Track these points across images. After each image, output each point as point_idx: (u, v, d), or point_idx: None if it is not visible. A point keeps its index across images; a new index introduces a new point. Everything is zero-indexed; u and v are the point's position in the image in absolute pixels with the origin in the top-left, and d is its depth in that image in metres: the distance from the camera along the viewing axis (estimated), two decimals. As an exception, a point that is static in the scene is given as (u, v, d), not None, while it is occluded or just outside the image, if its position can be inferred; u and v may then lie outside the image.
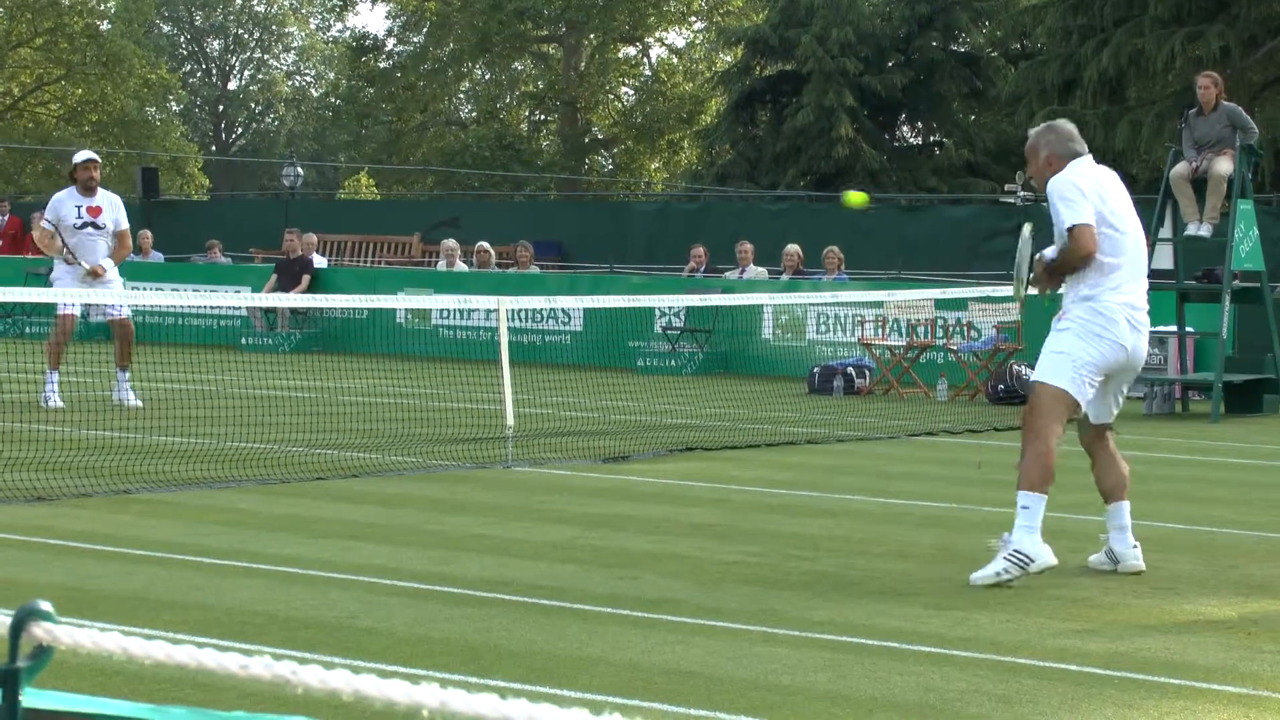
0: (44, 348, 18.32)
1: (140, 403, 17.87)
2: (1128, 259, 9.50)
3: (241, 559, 9.59)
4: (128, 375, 18.14)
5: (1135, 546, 9.66)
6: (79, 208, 18.11)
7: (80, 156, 18.75)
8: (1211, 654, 7.63)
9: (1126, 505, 9.72)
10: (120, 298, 17.71)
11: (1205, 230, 20.26)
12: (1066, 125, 9.92)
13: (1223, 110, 20.26)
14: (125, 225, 18.47)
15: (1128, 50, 36.30)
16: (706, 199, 41.58)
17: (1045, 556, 9.21)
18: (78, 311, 18.81)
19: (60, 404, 17.54)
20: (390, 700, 1.61)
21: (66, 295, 17.38)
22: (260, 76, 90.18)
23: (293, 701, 5.80)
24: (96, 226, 18.10)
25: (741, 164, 46.56)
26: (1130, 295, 9.49)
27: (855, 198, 16.00)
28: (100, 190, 18.38)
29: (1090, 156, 9.78)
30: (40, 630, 1.84)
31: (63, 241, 17.99)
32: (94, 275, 17.86)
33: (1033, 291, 10.02)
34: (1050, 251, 9.64)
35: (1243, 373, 21.00)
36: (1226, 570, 9.82)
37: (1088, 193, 9.47)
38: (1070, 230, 9.38)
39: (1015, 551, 9.19)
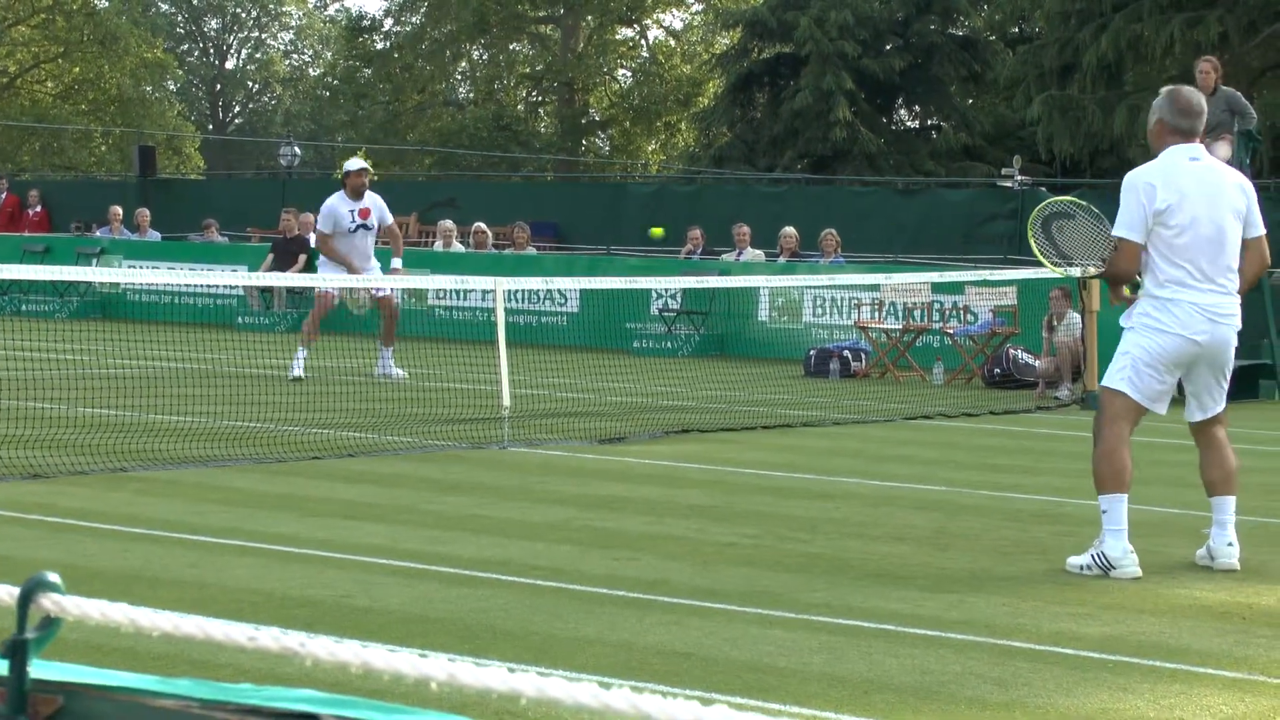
0: (303, 325, 19.99)
1: (404, 373, 19.50)
2: (1193, 255, 9.12)
3: (238, 538, 9.59)
4: (390, 351, 19.74)
5: (1231, 544, 9.42)
6: (351, 212, 19.63)
7: (352, 165, 20.15)
8: (1207, 638, 7.64)
9: (1229, 500, 9.51)
10: (384, 281, 18.84)
11: (1202, 216, 20.24)
12: (1186, 96, 9.37)
13: (1221, 95, 20.26)
14: (391, 220, 20.09)
15: (1126, 35, 36.27)
16: (703, 181, 41.54)
17: (1126, 566, 9.00)
18: (335, 293, 19.99)
19: (302, 375, 18.76)
20: (398, 673, 1.61)
21: (329, 280, 18.93)
22: (257, 56, 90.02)
23: (288, 679, 5.80)
24: (366, 227, 19.69)
25: (739, 146, 46.52)
26: (1197, 291, 9.14)
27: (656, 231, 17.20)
28: (368, 193, 19.84)
29: (1193, 145, 9.27)
30: (48, 601, 1.85)
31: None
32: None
33: (1074, 272, 9.90)
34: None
35: (1239, 358, 20.97)
36: (1222, 555, 9.81)
37: (1144, 196, 9.14)
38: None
39: (1100, 553, 9.09)
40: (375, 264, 19.88)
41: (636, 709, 1.41)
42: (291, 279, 18.30)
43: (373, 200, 19.81)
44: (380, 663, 1.60)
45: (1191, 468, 13.80)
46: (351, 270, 19.37)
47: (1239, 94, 20.62)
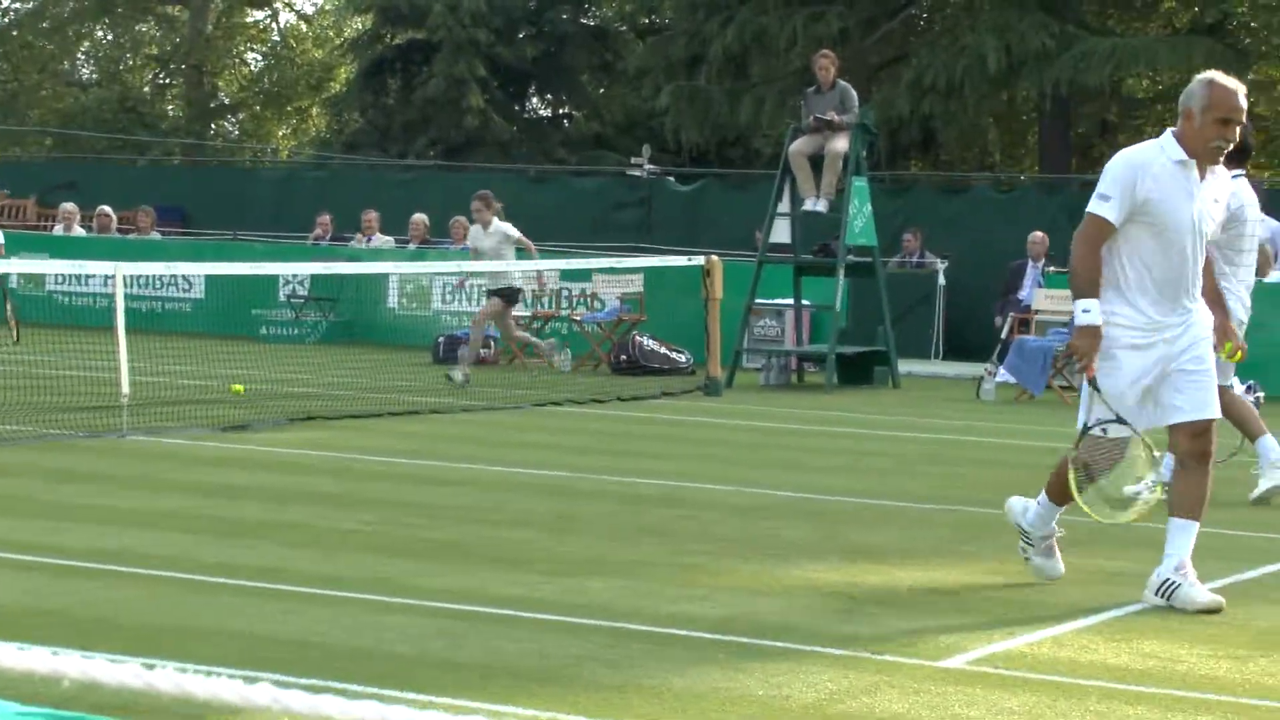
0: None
1: None
2: None
3: None
4: None
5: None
6: None
7: None
8: (817, 617, 7.84)
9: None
10: None
11: (821, 205, 20.79)
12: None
13: (839, 88, 20.82)
14: None
15: (752, 28, 36.92)
16: (334, 167, 41.20)
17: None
18: None
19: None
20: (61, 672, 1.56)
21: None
22: None
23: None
24: None
25: (371, 132, 46.22)
26: None
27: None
28: None
29: None
30: None
31: None
32: None
33: None
34: None
35: (855, 345, 21.62)
36: (835, 536, 10.10)
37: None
38: None
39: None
40: None
41: (180, 689, 1.39)
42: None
43: None
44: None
45: (812, 452, 14.15)
46: None
47: (853, 92, 21.08)
